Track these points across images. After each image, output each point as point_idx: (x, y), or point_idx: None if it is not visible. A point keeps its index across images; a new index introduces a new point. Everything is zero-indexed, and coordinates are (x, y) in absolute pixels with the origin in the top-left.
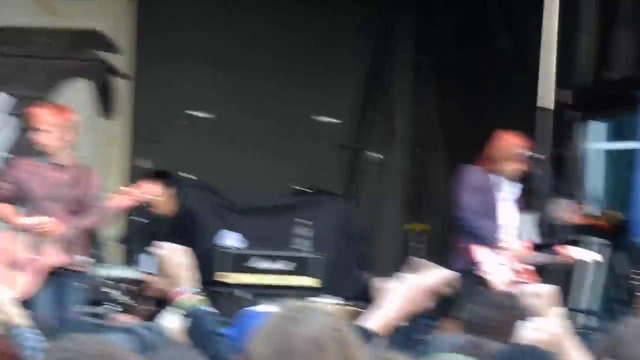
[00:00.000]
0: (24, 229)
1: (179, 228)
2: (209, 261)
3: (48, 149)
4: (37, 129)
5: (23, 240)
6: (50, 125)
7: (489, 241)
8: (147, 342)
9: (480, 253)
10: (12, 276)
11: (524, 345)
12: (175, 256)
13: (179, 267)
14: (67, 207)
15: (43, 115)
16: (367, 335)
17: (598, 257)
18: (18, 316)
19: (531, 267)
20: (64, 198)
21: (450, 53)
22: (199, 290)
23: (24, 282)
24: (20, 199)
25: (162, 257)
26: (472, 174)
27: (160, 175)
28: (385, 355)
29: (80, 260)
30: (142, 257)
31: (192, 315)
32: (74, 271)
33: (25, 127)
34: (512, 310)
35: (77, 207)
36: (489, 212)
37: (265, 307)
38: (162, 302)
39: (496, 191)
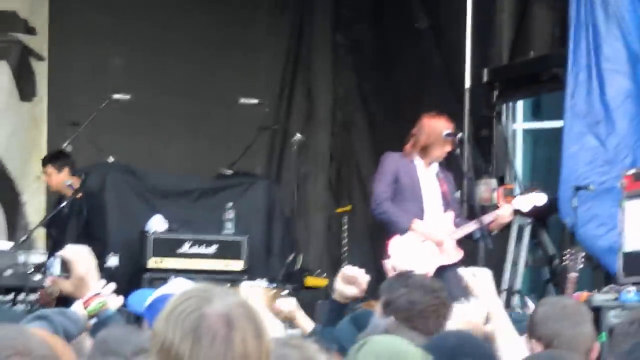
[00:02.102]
0: None
1: (82, 212)
2: (136, 246)
3: None
4: None
5: None
6: None
7: (402, 225)
8: (61, 329)
9: (392, 244)
10: None
11: (454, 332)
12: (83, 259)
13: (86, 270)
14: None
15: None
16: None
17: (541, 199)
18: None
19: (455, 242)
20: None
21: (368, 32)
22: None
23: None
24: None
25: (71, 259)
26: (390, 160)
27: (60, 153)
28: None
29: None
30: (50, 260)
31: (100, 318)
32: None
33: None
34: (436, 294)
35: None
36: (411, 198)
37: (169, 288)
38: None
39: (418, 175)
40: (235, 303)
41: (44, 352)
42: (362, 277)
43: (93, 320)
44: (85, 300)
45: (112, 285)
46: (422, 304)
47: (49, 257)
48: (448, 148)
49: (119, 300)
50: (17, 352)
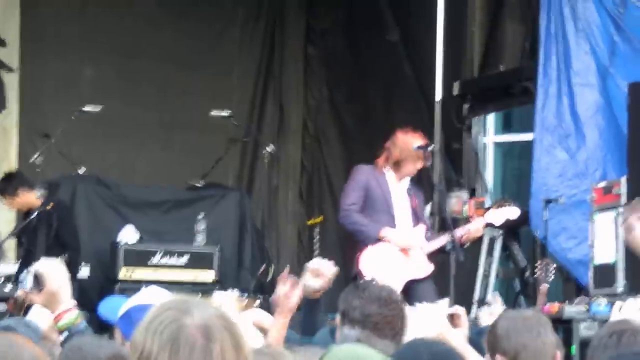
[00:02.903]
0: None
1: (51, 223)
2: (107, 257)
3: None
4: None
5: None
6: None
7: (372, 233)
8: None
9: (362, 258)
10: None
11: (424, 341)
12: (55, 274)
13: (59, 285)
14: None
15: None
16: None
17: (514, 213)
18: None
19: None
20: None
21: (341, 44)
22: (74, 306)
23: None
24: None
25: (43, 273)
26: (365, 172)
27: (7, 178)
28: (272, 349)
29: None
30: (23, 273)
31: (73, 332)
32: None
33: None
34: (391, 305)
35: None
36: (382, 210)
37: (142, 297)
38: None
39: (390, 188)
40: (214, 314)
41: None
42: (326, 268)
43: (64, 335)
44: (57, 315)
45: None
46: (377, 316)
47: (20, 268)
48: (420, 164)
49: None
50: None
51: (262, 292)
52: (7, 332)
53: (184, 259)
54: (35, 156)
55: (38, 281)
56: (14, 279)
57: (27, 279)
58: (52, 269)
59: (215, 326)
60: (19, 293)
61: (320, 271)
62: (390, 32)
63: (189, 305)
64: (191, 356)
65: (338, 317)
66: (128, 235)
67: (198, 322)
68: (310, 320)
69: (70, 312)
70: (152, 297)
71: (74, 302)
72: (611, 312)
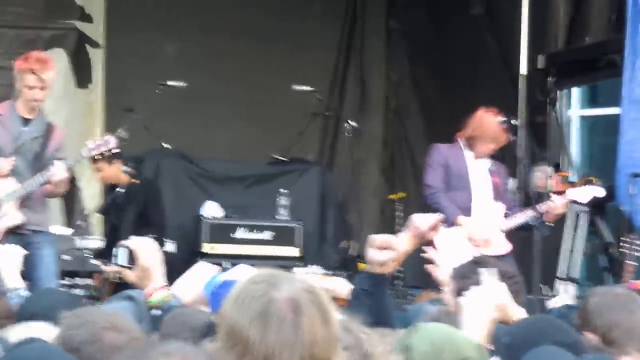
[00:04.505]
0: None
1: (140, 198)
2: (191, 231)
3: (35, 106)
4: (39, 87)
5: None
6: (43, 82)
7: (450, 217)
8: (145, 310)
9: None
10: None
11: (536, 317)
12: (148, 251)
13: (152, 262)
14: (31, 163)
15: (44, 73)
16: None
17: (599, 192)
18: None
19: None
20: (31, 154)
21: (422, 18)
22: (167, 283)
23: None
24: None
25: (137, 250)
26: (441, 151)
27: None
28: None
29: (40, 219)
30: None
31: (165, 310)
32: (38, 231)
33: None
34: (513, 279)
35: (41, 164)
36: (459, 187)
37: (233, 274)
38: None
39: (467, 165)
40: (302, 288)
41: (136, 335)
42: (393, 241)
43: (156, 312)
44: (149, 292)
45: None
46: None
47: (108, 244)
48: (500, 142)
49: None
50: (114, 328)
51: (345, 268)
52: (127, 300)
53: (268, 234)
54: (120, 131)
55: (131, 257)
56: (101, 255)
57: (120, 255)
58: (146, 246)
59: (303, 300)
60: (112, 268)
61: (389, 244)
62: (474, 5)
63: (277, 279)
64: (280, 330)
65: (446, 293)
66: (211, 209)
67: (287, 296)
68: (377, 295)
69: (162, 290)
70: (240, 274)
71: (165, 281)
72: None
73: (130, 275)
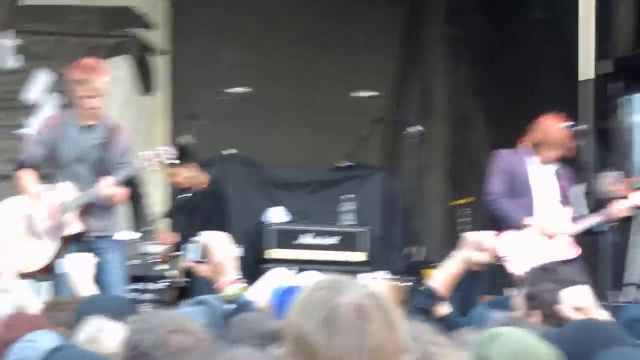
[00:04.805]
0: (39, 198)
1: (207, 203)
2: (255, 237)
3: (93, 113)
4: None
5: (44, 208)
6: (96, 90)
7: (516, 221)
8: (220, 313)
9: (502, 239)
10: (34, 244)
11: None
12: (221, 245)
13: (225, 256)
14: (95, 169)
15: (91, 82)
16: (431, 295)
17: None
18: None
19: (571, 239)
20: (93, 160)
21: (483, 23)
22: (240, 277)
23: (47, 251)
24: (51, 160)
25: (208, 245)
26: (503, 157)
27: (185, 147)
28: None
29: (104, 224)
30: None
31: (238, 304)
32: (102, 237)
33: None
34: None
35: (105, 169)
36: (521, 194)
37: (297, 280)
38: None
39: (531, 171)
40: (367, 294)
41: (203, 336)
42: (488, 240)
43: (229, 305)
44: (222, 285)
45: None
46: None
47: (175, 248)
48: (565, 147)
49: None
50: (180, 330)
51: (411, 273)
52: (200, 305)
53: (333, 239)
54: (183, 138)
55: (204, 252)
56: (169, 258)
57: (192, 251)
58: (218, 241)
59: (368, 306)
60: (184, 264)
61: (483, 244)
62: (534, 10)
63: (342, 284)
64: (346, 336)
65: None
66: (276, 215)
67: (351, 302)
68: (468, 297)
69: (235, 284)
70: (304, 280)
71: (238, 274)
72: None
73: (204, 270)
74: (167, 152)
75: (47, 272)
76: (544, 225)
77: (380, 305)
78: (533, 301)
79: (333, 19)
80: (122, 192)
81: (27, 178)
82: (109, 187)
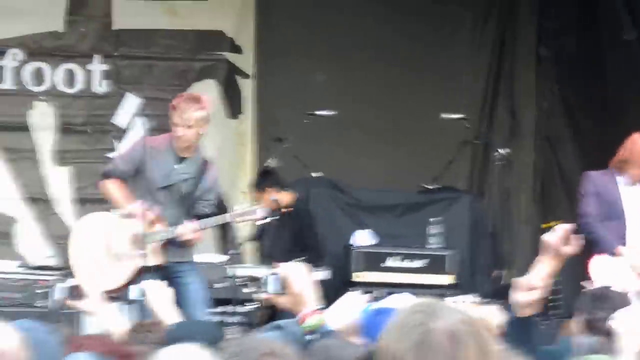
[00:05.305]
0: (130, 216)
1: (293, 226)
2: (343, 260)
3: (187, 145)
4: (183, 125)
5: (127, 230)
6: (190, 120)
7: (608, 247)
8: (297, 338)
9: (594, 263)
10: (110, 265)
11: None
12: (300, 275)
13: (304, 287)
14: (182, 202)
15: (188, 112)
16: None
17: None
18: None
19: None
20: (181, 194)
21: (572, 44)
22: (321, 307)
23: (122, 274)
24: (134, 179)
25: (287, 276)
26: (593, 179)
27: (262, 174)
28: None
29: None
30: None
31: (321, 334)
32: (181, 262)
33: (169, 120)
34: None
35: (192, 204)
36: (612, 216)
37: (388, 303)
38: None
39: (621, 192)
40: (461, 319)
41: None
42: (535, 280)
43: (311, 336)
44: (302, 317)
45: None
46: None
47: (263, 270)
48: None
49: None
50: (273, 354)
51: (498, 297)
52: (277, 330)
53: (420, 262)
54: (270, 161)
55: (282, 284)
56: (254, 282)
57: (270, 282)
58: (295, 271)
59: (461, 331)
60: (263, 296)
61: (531, 285)
62: (627, 30)
63: (435, 308)
64: None
65: (574, 324)
66: (364, 238)
67: (445, 327)
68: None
69: (315, 314)
70: (396, 302)
71: (319, 304)
72: None
73: (283, 301)
74: (261, 213)
75: (117, 295)
76: (633, 262)
77: (474, 332)
78: (588, 328)
79: (421, 40)
80: (201, 236)
81: (120, 191)
82: (191, 232)
